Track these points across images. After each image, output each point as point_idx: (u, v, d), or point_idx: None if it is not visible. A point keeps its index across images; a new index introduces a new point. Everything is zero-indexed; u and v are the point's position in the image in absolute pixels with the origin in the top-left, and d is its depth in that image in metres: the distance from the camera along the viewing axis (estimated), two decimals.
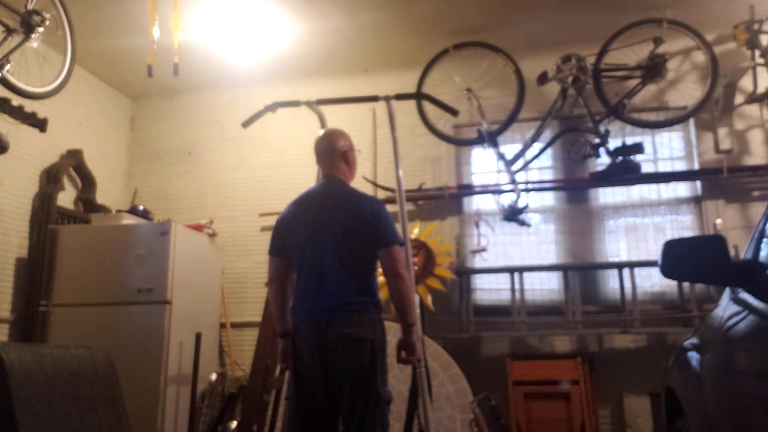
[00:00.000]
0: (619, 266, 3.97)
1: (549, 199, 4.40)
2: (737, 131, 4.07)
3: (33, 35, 3.05)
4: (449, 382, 3.59)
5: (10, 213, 3.91)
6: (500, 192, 4.13)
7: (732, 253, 2.40)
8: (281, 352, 2.47)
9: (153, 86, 4.87)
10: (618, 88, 3.97)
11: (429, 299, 3.97)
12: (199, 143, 5.00)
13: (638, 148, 3.75)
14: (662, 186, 4.19)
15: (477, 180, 4.51)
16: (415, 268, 3.86)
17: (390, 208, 2.70)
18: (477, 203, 4.44)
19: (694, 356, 1.86)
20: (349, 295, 2.30)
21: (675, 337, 3.80)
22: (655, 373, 3.66)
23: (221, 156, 4.93)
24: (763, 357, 1.34)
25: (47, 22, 3.11)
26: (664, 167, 4.26)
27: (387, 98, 2.97)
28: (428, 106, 4.12)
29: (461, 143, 4.43)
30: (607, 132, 3.88)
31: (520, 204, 3.90)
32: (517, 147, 4.08)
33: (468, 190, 4.38)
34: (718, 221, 3.91)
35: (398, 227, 2.50)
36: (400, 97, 3.02)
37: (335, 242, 2.34)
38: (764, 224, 1.74)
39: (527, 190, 4.20)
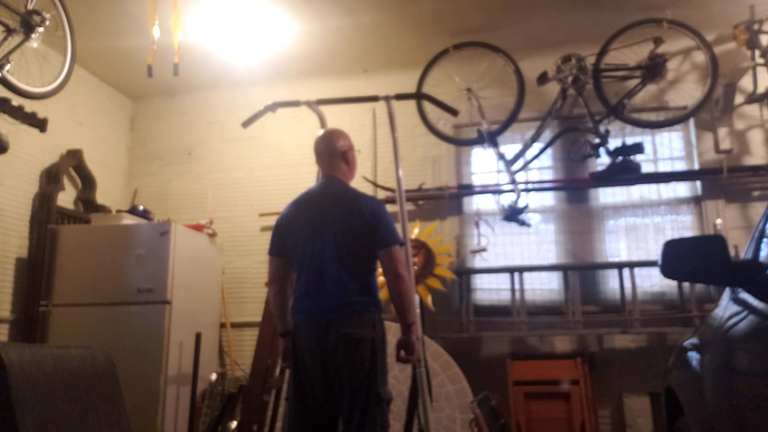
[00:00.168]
0: (619, 266, 3.97)
1: (549, 199, 4.40)
2: (737, 131, 4.07)
3: (33, 35, 3.05)
4: (449, 382, 3.59)
5: (10, 213, 3.91)
6: (500, 192, 4.13)
7: (732, 253, 2.40)
8: (282, 352, 2.47)
9: (153, 86, 4.87)
10: (618, 88, 3.97)
11: (429, 299, 3.97)
12: (199, 143, 5.00)
13: (638, 148, 3.75)
14: (662, 186, 4.19)
15: (477, 180, 4.51)
16: (415, 268, 3.86)
17: (390, 208, 2.70)
18: (477, 203, 4.44)
19: (694, 356, 1.86)
20: (349, 295, 2.30)
21: (675, 337, 3.81)
22: (655, 373, 3.67)
23: (221, 156, 4.93)
24: (763, 357, 1.34)
25: (47, 22, 3.11)
26: (664, 167, 4.26)
27: (387, 98, 2.97)
28: (428, 106, 4.12)
29: (461, 143, 4.43)
30: (607, 132, 3.87)
31: (520, 204, 3.90)
32: (517, 147, 4.08)
33: (468, 190, 4.38)
34: (718, 221, 3.91)
35: (398, 227, 2.50)
36: (400, 97, 3.02)
37: (335, 242, 2.34)
38: (764, 224, 1.74)
39: (527, 190, 4.20)
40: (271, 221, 2.60)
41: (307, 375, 2.31)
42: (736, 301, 1.65)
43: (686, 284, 3.84)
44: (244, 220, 4.73)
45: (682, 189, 4.20)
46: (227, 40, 4.20)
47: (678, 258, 1.74)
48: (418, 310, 2.53)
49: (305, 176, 4.23)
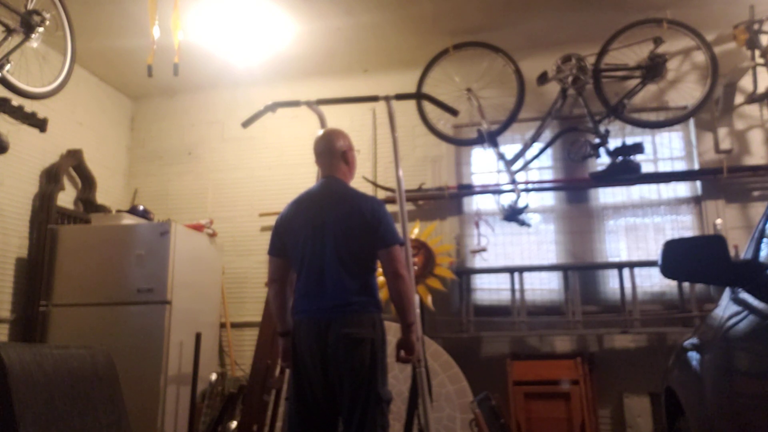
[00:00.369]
0: (619, 266, 3.97)
1: (549, 199, 4.40)
2: (737, 131, 4.07)
3: (33, 35, 3.05)
4: (449, 382, 3.59)
5: (10, 213, 3.91)
6: (500, 192, 4.13)
7: (732, 253, 2.40)
8: (282, 351, 2.47)
9: (153, 86, 4.87)
10: (618, 88, 3.97)
11: (429, 299, 3.97)
12: (199, 143, 5.00)
13: (638, 148, 3.75)
14: (662, 186, 4.19)
15: (477, 180, 4.51)
16: (415, 268, 3.85)
17: (390, 208, 2.70)
18: (477, 203, 4.44)
19: (694, 356, 1.86)
20: (349, 295, 2.30)
21: (675, 337, 3.80)
22: (655, 373, 3.67)
23: (221, 156, 4.93)
24: (763, 357, 1.34)
25: (47, 22, 3.11)
26: (664, 167, 4.26)
27: (387, 98, 2.97)
28: (428, 106, 4.12)
29: (461, 143, 4.43)
30: (607, 132, 3.87)
31: (520, 204, 3.90)
32: (517, 147, 4.08)
33: (468, 190, 4.38)
34: (718, 221, 3.91)
35: (398, 227, 2.50)
36: (400, 97, 3.02)
37: (335, 242, 2.34)
38: (764, 224, 1.74)
39: (527, 190, 4.20)
40: (271, 221, 2.60)
41: (307, 375, 2.31)
42: (736, 301, 1.65)
43: (686, 284, 3.84)
44: (244, 220, 4.73)
45: (682, 189, 4.20)
46: (227, 40, 4.20)
47: (678, 258, 1.74)
48: (418, 310, 2.53)
49: (305, 176, 4.23)
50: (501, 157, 4.04)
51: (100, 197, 4.57)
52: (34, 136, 3.89)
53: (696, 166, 4.11)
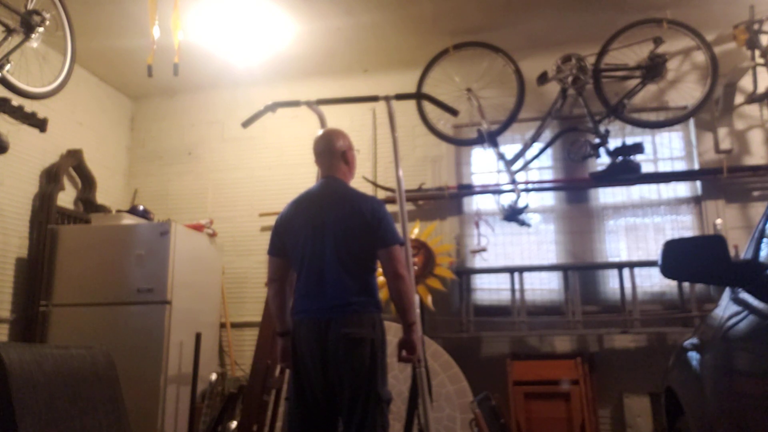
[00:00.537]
0: (619, 266, 3.97)
1: (549, 199, 4.40)
2: (737, 131, 4.07)
3: (33, 35, 3.05)
4: (449, 382, 3.59)
5: (10, 213, 3.91)
6: (500, 192, 4.13)
7: (732, 253, 2.40)
8: (280, 351, 2.47)
9: (153, 86, 4.87)
10: (618, 88, 3.97)
11: (429, 299, 3.97)
12: (199, 143, 5.00)
13: (638, 148, 3.75)
14: (662, 186, 4.19)
15: (477, 180, 4.51)
16: (415, 268, 3.85)
17: (390, 208, 2.70)
18: (477, 203, 4.44)
19: (694, 356, 1.86)
20: (349, 295, 2.30)
21: (675, 337, 3.81)
22: (655, 373, 3.67)
23: (221, 156, 4.93)
24: (763, 357, 1.34)
25: (47, 22, 3.11)
26: (664, 167, 4.26)
27: (387, 98, 2.97)
28: (428, 106, 4.12)
29: (461, 143, 4.43)
30: (607, 132, 3.87)
31: (520, 204, 3.90)
32: (517, 147, 4.08)
33: (468, 190, 4.38)
34: (718, 221, 3.91)
35: (398, 227, 2.50)
36: (400, 97, 3.02)
37: (335, 242, 2.34)
38: (764, 224, 1.74)
39: (527, 190, 4.20)
40: (271, 221, 2.60)
41: (307, 375, 2.31)
42: (736, 301, 1.65)
43: (686, 284, 3.84)
44: (244, 220, 4.73)
45: (682, 189, 4.20)
46: (227, 40, 4.20)
47: (678, 258, 1.74)
48: (418, 310, 2.53)
49: (305, 176, 4.23)
50: (501, 157, 4.04)
51: (100, 197, 4.57)
52: (34, 136, 3.89)
53: (696, 166, 4.11)
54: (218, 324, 4.41)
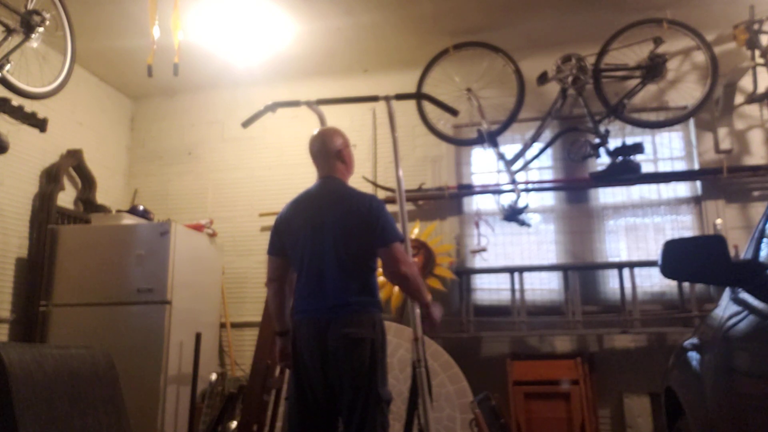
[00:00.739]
0: (619, 266, 3.97)
1: (549, 199, 4.40)
2: (737, 131, 4.07)
3: (33, 35, 3.05)
4: (449, 382, 3.59)
5: (10, 213, 3.91)
6: (500, 192, 4.13)
7: (732, 253, 2.40)
8: (279, 351, 2.47)
9: (153, 86, 4.87)
10: (618, 88, 3.97)
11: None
12: (199, 143, 5.00)
13: (638, 148, 3.75)
14: (662, 186, 4.19)
15: (477, 180, 4.51)
16: (415, 267, 3.85)
17: (390, 208, 2.69)
18: (477, 203, 4.44)
19: (694, 356, 1.86)
20: (349, 295, 2.30)
21: (675, 337, 3.80)
22: (655, 373, 3.67)
23: (221, 156, 4.93)
24: (763, 357, 1.34)
25: (47, 22, 3.11)
26: (664, 167, 4.26)
27: (387, 98, 2.96)
28: (428, 106, 4.12)
29: (461, 143, 4.43)
30: (607, 132, 3.87)
31: (520, 204, 3.90)
32: (517, 147, 4.08)
33: (468, 190, 4.38)
34: (718, 221, 3.91)
35: (398, 227, 2.50)
36: (400, 97, 3.01)
37: (334, 242, 2.34)
38: (764, 224, 1.74)
39: (527, 190, 4.19)
40: (271, 221, 2.60)
41: (307, 375, 2.31)
42: (736, 301, 1.65)
43: (686, 284, 3.84)
44: (244, 220, 4.73)
45: (682, 189, 4.20)
46: (227, 40, 4.20)
47: (678, 258, 1.74)
48: (418, 310, 2.53)
49: (305, 176, 4.19)
50: (501, 157, 4.04)
51: (100, 197, 4.57)
52: (34, 136, 3.89)
53: (696, 166, 4.11)
54: (218, 324, 4.41)
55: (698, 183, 4.11)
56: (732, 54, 4.02)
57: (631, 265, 3.92)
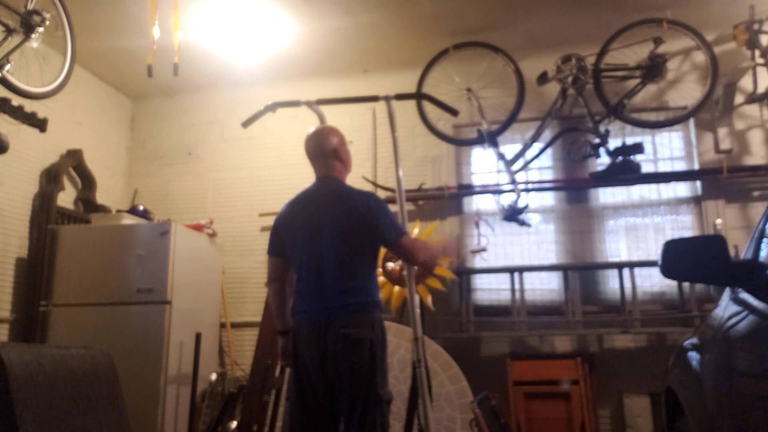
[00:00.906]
0: (619, 266, 3.97)
1: (549, 199, 4.40)
2: (737, 131, 4.07)
3: (33, 35, 3.05)
4: (449, 382, 3.59)
5: (10, 213, 3.91)
6: (500, 192, 4.13)
7: (732, 253, 2.40)
8: (281, 350, 2.48)
9: (153, 86, 4.87)
10: (618, 88, 3.97)
11: (429, 299, 3.97)
12: (199, 143, 5.00)
13: (638, 148, 3.75)
14: (662, 186, 4.19)
15: (477, 180, 4.51)
16: (415, 268, 3.84)
17: (390, 208, 2.69)
18: (477, 203, 4.44)
19: (694, 356, 1.86)
20: (349, 296, 2.30)
21: (675, 337, 3.80)
22: (655, 373, 3.67)
23: (221, 156, 4.93)
24: (763, 357, 1.34)
25: (47, 22, 3.11)
26: (664, 167, 4.26)
27: (387, 98, 2.96)
28: (428, 106, 4.12)
29: (461, 143, 4.42)
30: (607, 132, 3.87)
31: (520, 204, 3.90)
32: (517, 147, 4.08)
33: (468, 190, 4.38)
34: (718, 221, 3.91)
35: None
36: (400, 97, 3.01)
37: (333, 243, 2.34)
38: (764, 224, 1.74)
39: (527, 190, 4.19)
40: (271, 221, 2.60)
41: (307, 375, 2.31)
42: (736, 301, 1.65)
43: (686, 284, 3.84)
44: (244, 220, 4.73)
45: (682, 189, 4.20)
46: (227, 40, 4.20)
47: (678, 258, 1.74)
48: (418, 310, 2.53)
49: (305, 176, 4.17)
50: (501, 157, 4.04)
51: (100, 197, 4.57)
52: (34, 136, 3.89)
53: (696, 166, 4.11)
54: (218, 324, 4.41)
55: (698, 183, 4.11)
56: (732, 54, 4.02)
57: (631, 265, 3.92)
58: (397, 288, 3.92)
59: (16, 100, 3.26)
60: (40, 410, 1.89)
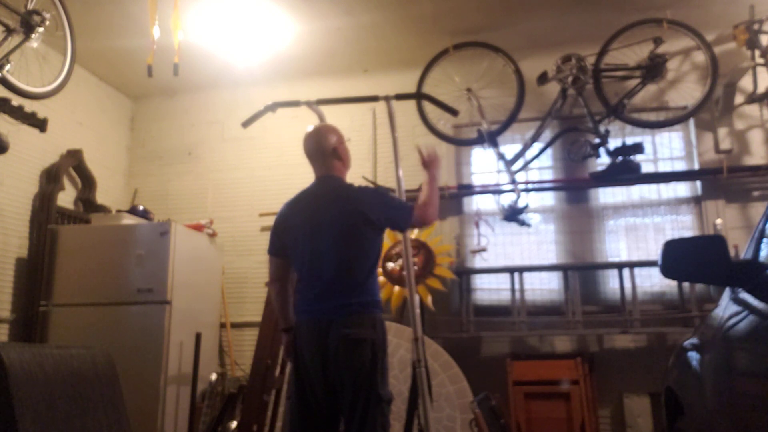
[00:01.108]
0: (619, 266, 3.97)
1: (549, 199, 4.40)
2: (737, 131, 4.07)
3: (33, 35, 3.05)
4: (449, 382, 3.59)
5: (10, 213, 3.91)
6: (500, 192, 4.13)
7: (732, 253, 2.40)
8: (286, 346, 2.48)
9: (153, 86, 4.87)
10: (618, 88, 3.97)
11: (429, 299, 3.97)
12: (199, 143, 5.00)
13: (638, 148, 3.75)
14: (662, 186, 4.19)
15: (477, 180, 4.51)
16: (415, 268, 3.85)
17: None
18: (477, 203, 4.44)
19: (694, 356, 1.86)
20: (349, 296, 2.30)
21: (675, 337, 3.80)
22: (655, 373, 3.67)
23: (221, 156, 4.93)
24: (763, 357, 1.34)
25: (47, 22, 3.11)
26: (664, 167, 4.25)
27: (387, 98, 2.96)
28: (428, 106, 4.11)
29: (461, 143, 4.42)
30: (607, 132, 3.87)
31: (520, 204, 3.90)
32: (517, 147, 4.08)
33: (468, 190, 4.38)
34: (718, 221, 3.91)
35: None
36: (400, 97, 3.01)
37: (334, 242, 2.34)
38: (764, 224, 1.74)
39: (527, 190, 4.19)
40: (271, 221, 2.60)
41: (308, 375, 2.31)
42: (736, 301, 1.65)
43: (686, 284, 3.84)
44: (244, 220, 4.73)
45: (682, 189, 4.20)
46: (227, 40, 4.20)
47: (678, 258, 1.74)
48: (418, 310, 2.53)
49: (305, 176, 4.16)
50: (501, 157, 4.03)
51: (100, 197, 4.57)
52: (34, 136, 3.89)
53: (696, 166, 4.11)
54: (218, 324, 4.41)
55: (698, 183, 4.11)
56: (732, 54, 4.02)
57: (631, 265, 3.92)
58: (397, 288, 3.92)
59: (16, 100, 3.26)
60: (40, 410, 1.89)
